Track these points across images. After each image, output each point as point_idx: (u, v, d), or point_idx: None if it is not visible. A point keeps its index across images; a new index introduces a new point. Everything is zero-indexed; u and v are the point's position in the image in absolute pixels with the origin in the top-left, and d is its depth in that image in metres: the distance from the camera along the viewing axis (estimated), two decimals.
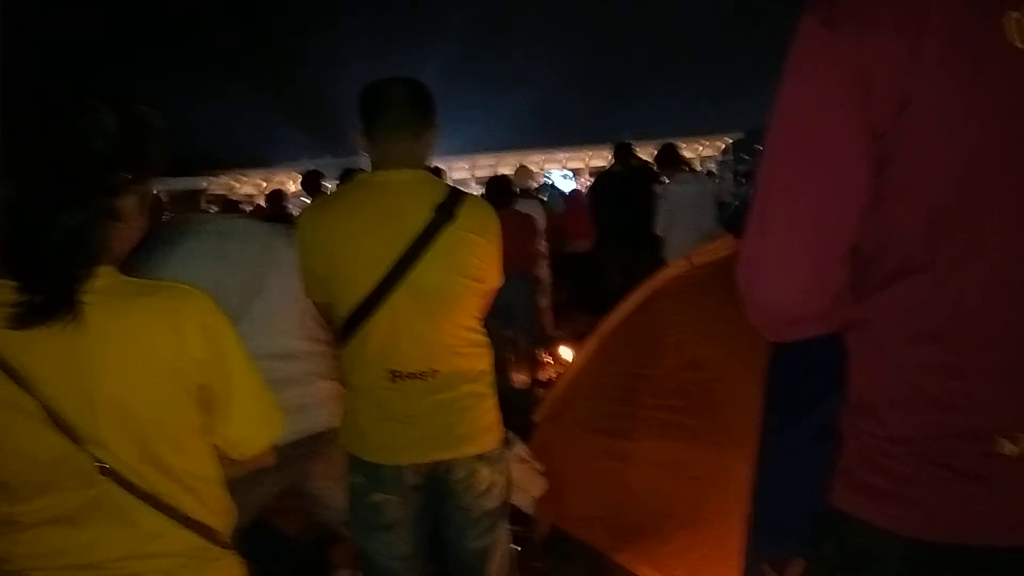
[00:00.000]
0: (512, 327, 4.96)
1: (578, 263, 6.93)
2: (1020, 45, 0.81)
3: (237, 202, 8.64)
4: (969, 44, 0.82)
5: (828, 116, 0.87)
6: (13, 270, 1.07)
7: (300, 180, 6.74)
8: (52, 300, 1.04)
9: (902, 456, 0.92)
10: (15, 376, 1.03)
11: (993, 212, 0.85)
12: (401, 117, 1.87)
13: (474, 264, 1.91)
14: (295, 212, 7.40)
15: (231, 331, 1.17)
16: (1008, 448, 0.87)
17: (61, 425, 1.05)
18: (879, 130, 0.85)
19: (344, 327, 1.91)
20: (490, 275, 1.96)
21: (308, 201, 6.79)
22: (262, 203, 8.83)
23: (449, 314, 1.90)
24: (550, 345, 5.61)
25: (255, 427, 1.22)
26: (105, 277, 1.10)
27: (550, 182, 11.15)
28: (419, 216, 1.84)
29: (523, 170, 6.88)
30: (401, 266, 1.82)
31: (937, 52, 0.82)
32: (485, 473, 1.98)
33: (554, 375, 5.17)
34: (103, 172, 1.10)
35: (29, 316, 1.04)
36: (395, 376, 1.88)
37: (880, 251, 0.91)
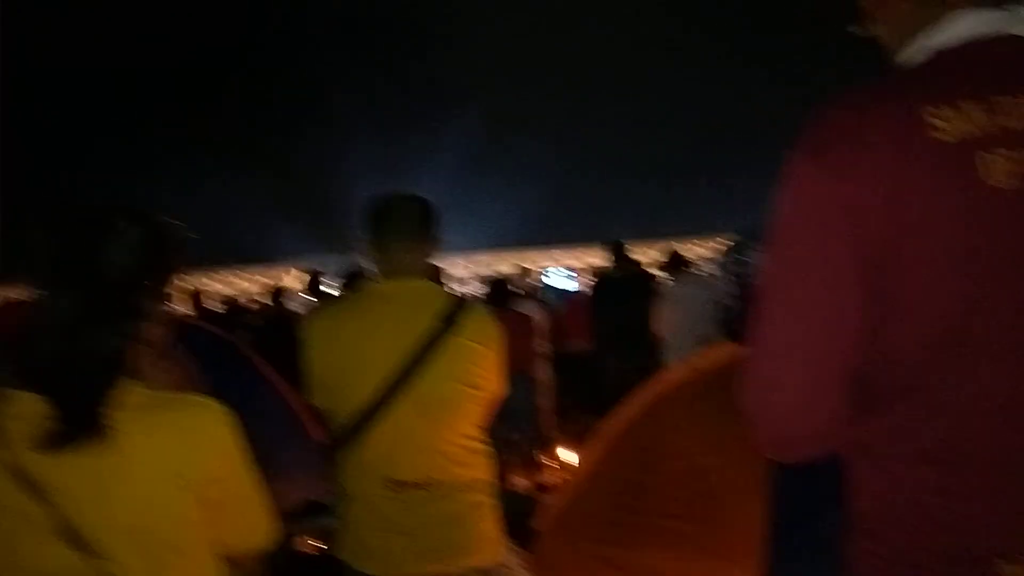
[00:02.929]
0: (513, 429, 4.91)
1: (577, 363, 6.93)
2: (992, 183, 0.86)
3: (238, 301, 8.71)
4: (951, 180, 0.87)
5: (823, 247, 0.91)
6: (39, 386, 1.07)
7: (306, 281, 6.79)
8: (81, 427, 1.05)
9: None
10: (32, 486, 1.04)
11: (985, 337, 0.87)
12: (406, 231, 1.94)
13: (476, 372, 1.92)
14: (295, 310, 7.45)
15: (243, 444, 1.18)
16: (1007, 571, 0.87)
17: (73, 538, 1.04)
18: (872, 258, 0.89)
19: (344, 434, 1.90)
20: (492, 383, 1.98)
21: (308, 298, 6.84)
22: (258, 299, 8.88)
23: (450, 422, 1.91)
24: (551, 447, 5.54)
25: (253, 536, 1.26)
26: (129, 392, 1.11)
27: (549, 282, 11.26)
28: (422, 325, 1.87)
29: (522, 270, 6.98)
30: (403, 374, 1.84)
31: (923, 186, 0.86)
32: None
33: (556, 479, 5.08)
34: (127, 293, 1.13)
35: (58, 442, 1.04)
36: (394, 485, 1.86)
37: (876, 374, 0.93)
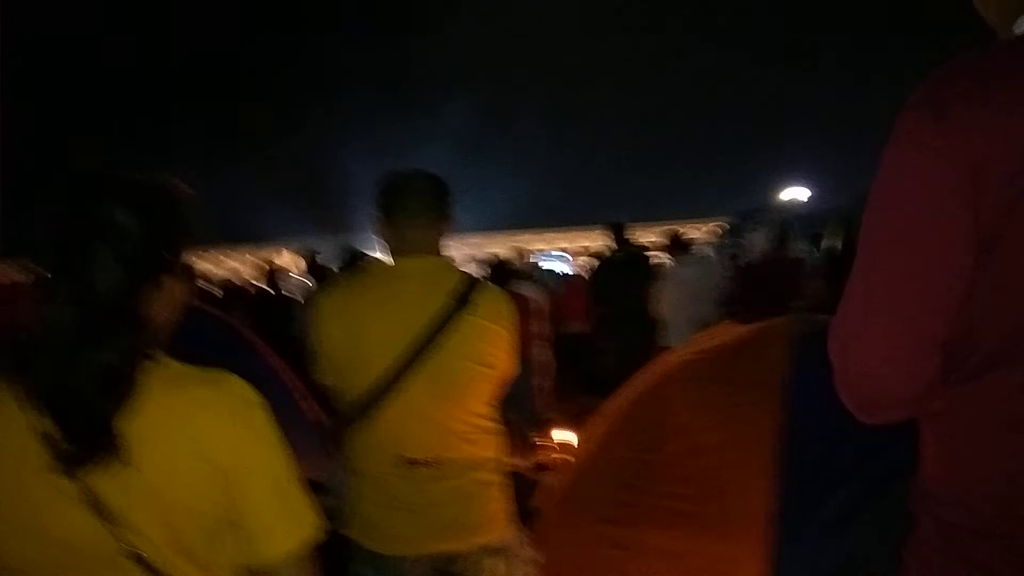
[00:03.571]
0: (508, 409, 4.92)
1: (574, 345, 6.94)
2: None
3: (233, 281, 8.65)
4: None
5: (943, 211, 0.89)
6: (45, 403, 1.02)
7: (302, 261, 6.75)
8: (90, 449, 1.00)
9: (996, 551, 0.91)
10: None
11: None
12: (420, 208, 1.92)
13: (488, 351, 1.92)
14: (290, 290, 7.42)
15: (268, 421, 1.14)
16: None
17: (96, 506, 1.02)
18: (989, 222, 0.87)
19: (353, 412, 1.90)
20: (504, 362, 1.98)
21: (302, 280, 6.81)
22: (252, 279, 8.81)
23: (461, 400, 1.91)
24: (546, 427, 5.56)
25: (279, 524, 1.13)
26: (152, 361, 1.08)
27: (545, 265, 11.25)
28: (435, 302, 1.86)
29: (519, 251, 6.97)
30: (416, 352, 1.83)
31: None
32: (492, 565, 1.94)
33: (551, 458, 5.10)
34: (128, 302, 1.04)
35: (70, 464, 1.00)
36: (404, 462, 1.86)
37: (970, 341, 0.92)
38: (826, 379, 2.71)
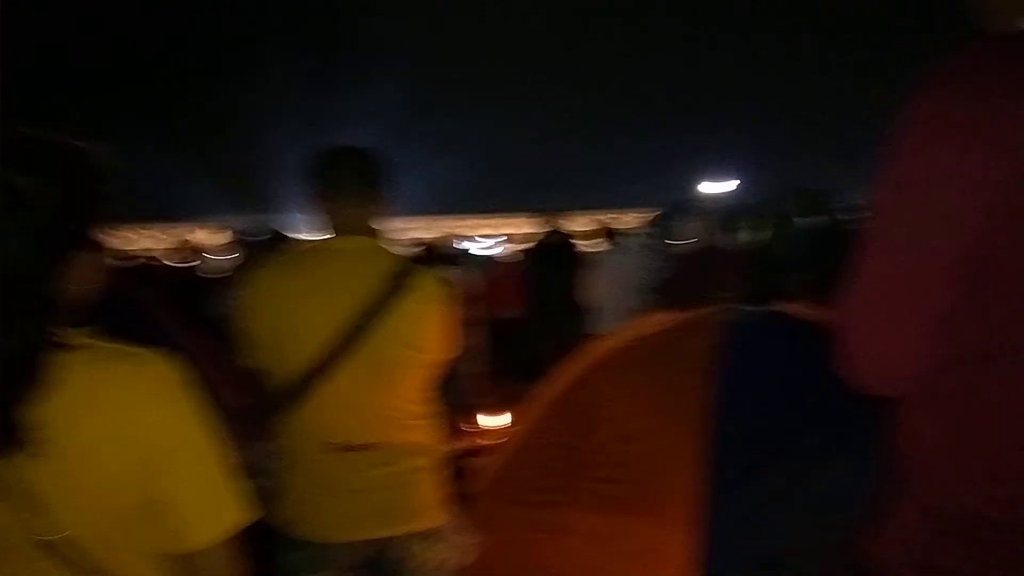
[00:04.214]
0: (444, 394, 4.89)
1: (505, 330, 6.93)
2: None
3: (146, 259, 8.28)
4: None
5: (962, 187, 0.88)
6: None
7: (223, 240, 6.50)
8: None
9: (982, 539, 0.92)
10: None
11: None
12: (357, 186, 1.86)
13: (423, 336, 1.88)
14: (209, 270, 7.15)
15: (196, 400, 1.07)
16: None
17: (6, 494, 0.94)
18: (1004, 204, 0.87)
19: (283, 395, 1.83)
20: (440, 347, 1.94)
21: (222, 259, 6.57)
22: (166, 257, 8.44)
23: (395, 386, 1.86)
24: (476, 413, 5.55)
25: (205, 510, 1.07)
26: (77, 338, 1.00)
27: (474, 249, 11.24)
28: (370, 285, 1.80)
29: (447, 236, 6.92)
30: (350, 335, 1.77)
31: None
32: (426, 552, 1.91)
33: (479, 444, 5.09)
34: (33, 279, 0.96)
35: None
36: (335, 448, 1.81)
37: (984, 322, 0.92)
38: (754, 366, 2.76)
